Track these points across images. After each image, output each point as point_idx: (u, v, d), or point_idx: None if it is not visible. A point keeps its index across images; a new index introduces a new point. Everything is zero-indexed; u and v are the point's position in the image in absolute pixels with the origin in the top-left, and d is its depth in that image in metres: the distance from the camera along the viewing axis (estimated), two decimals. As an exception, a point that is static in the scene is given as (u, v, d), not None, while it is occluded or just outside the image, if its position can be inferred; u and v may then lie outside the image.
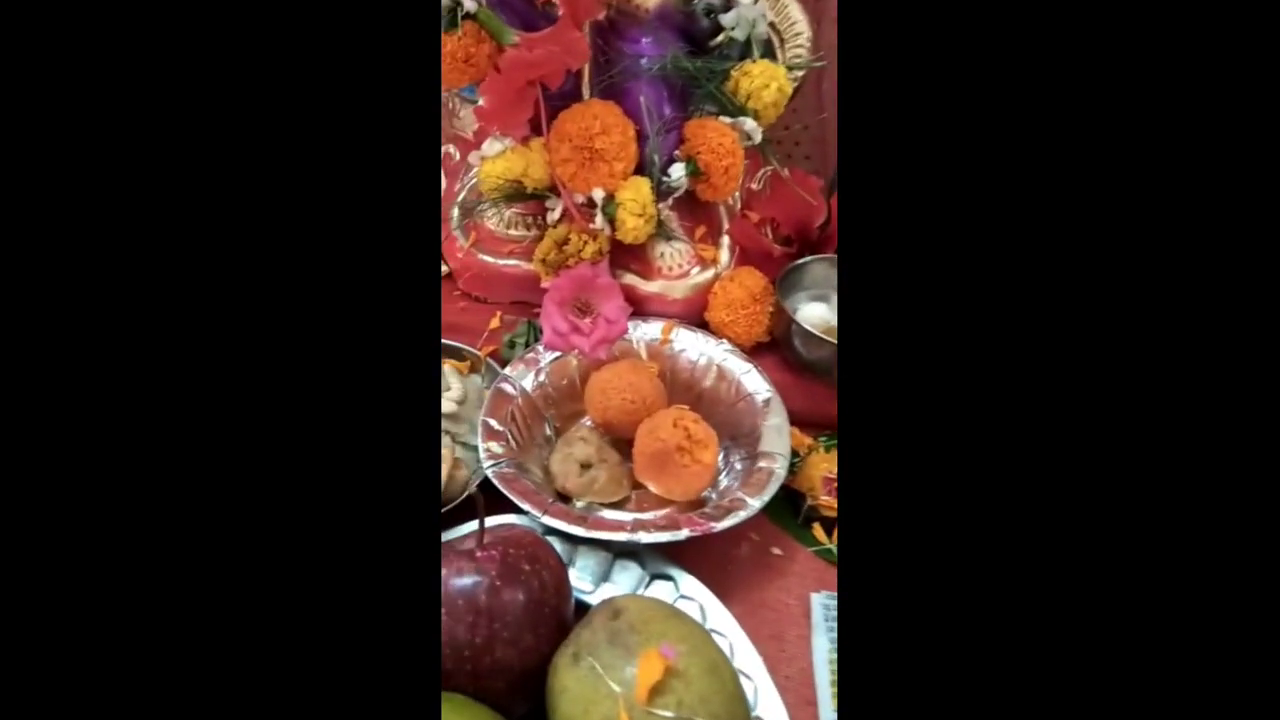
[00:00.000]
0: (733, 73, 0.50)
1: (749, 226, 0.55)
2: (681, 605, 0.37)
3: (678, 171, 0.49)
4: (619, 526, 0.38)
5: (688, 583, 0.38)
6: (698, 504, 0.45)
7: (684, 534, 0.37)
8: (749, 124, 0.49)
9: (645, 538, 0.37)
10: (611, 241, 0.52)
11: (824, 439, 0.51)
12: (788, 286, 0.56)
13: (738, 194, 0.58)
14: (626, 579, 0.38)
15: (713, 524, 0.38)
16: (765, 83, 0.49)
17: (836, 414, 0.53)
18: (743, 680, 0.34)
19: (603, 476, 0.44)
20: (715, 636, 0.36)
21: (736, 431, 0.49)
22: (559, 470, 0.45)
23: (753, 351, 0.54)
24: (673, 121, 0.50)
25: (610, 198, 0.49)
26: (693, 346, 0.52)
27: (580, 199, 0.50)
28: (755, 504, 0.39)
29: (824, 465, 0.45)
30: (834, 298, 0.57)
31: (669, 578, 0.39)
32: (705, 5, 0.49)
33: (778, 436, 0.45)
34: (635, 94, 0.49)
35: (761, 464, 0.43)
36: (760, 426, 0.46)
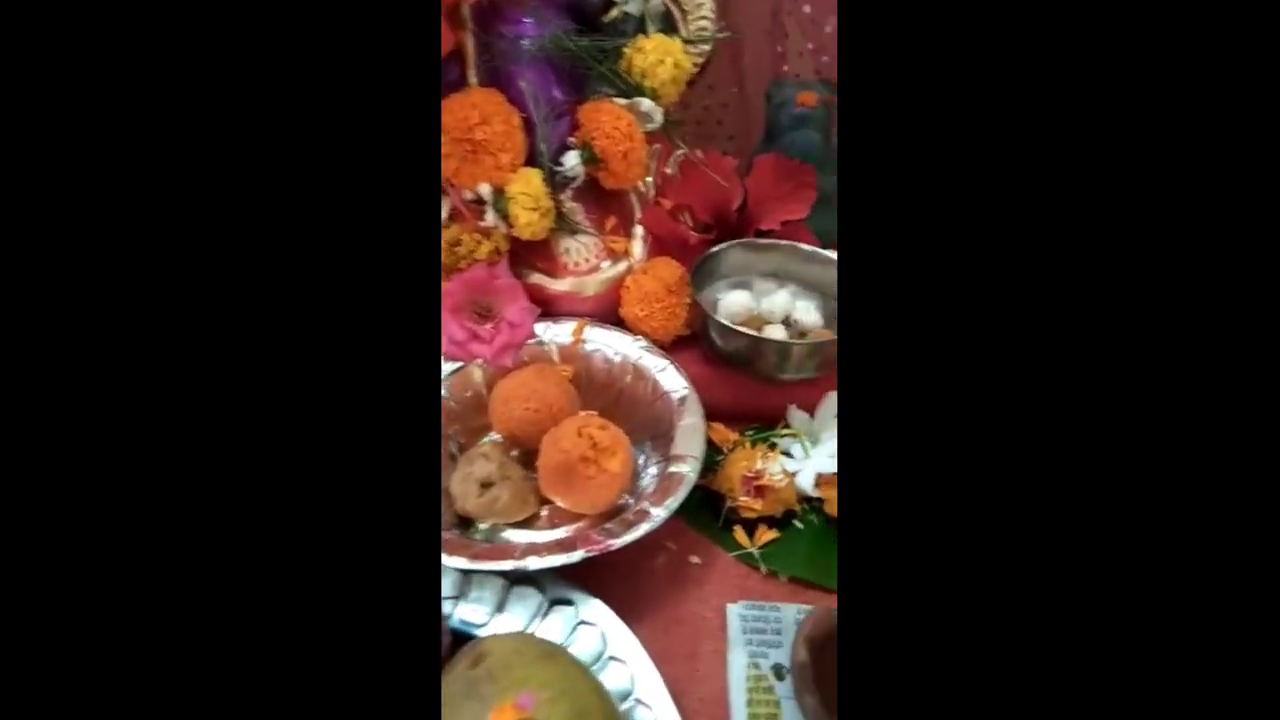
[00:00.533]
0: (626, 50, 0.46)
1: (662, 214, 0.52)
2: (580, 632, 0.34)
3: (571, 160, 0.46)
4: (505, 553, 0.35)
5: (589, 607, 0.35)
6: (614, 514, 0.42)
7: (578, 555, 0.34)
8: (646, 104, 0.46)
9: (535, 563, 0.34)
10: (512, 240, 0.48)
11: (750, 433, 0.48)
12: (706, 275, 0.52)
13: (650, 180, 0.55)
14: (524, 608, 0.35)
15: (611, 541, 0.35)
16: (659, 58, 0.45)
17: (763, 407, 0.52)
18: (641, 712, 0.31)
19: (505, 495, 0.41)
20: (615, 665, 0.33)
21: (655, 431, 0.46)
22: (458, 492, 0.41)
23: (673, 346, 0.51)
24: (563, 106, 0.46)
25: (500, 193, 0.45)
26: (608, 345, 0.49)
27: (469, 196, 0.46)
28: (659, 514, 0.36)
29: (744, 463, 0.42)
30: (757, 284, 0.54)
31: (569, 602, 0.36)
32: (592, -23, 0.46)
33: (691, 436, 0.42)
34: (520, 79, 0.45)
35: (673, 468, 0.40)
36: (675, 426, 0.43)
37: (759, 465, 0.42)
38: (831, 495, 0.42)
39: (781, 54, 0.62)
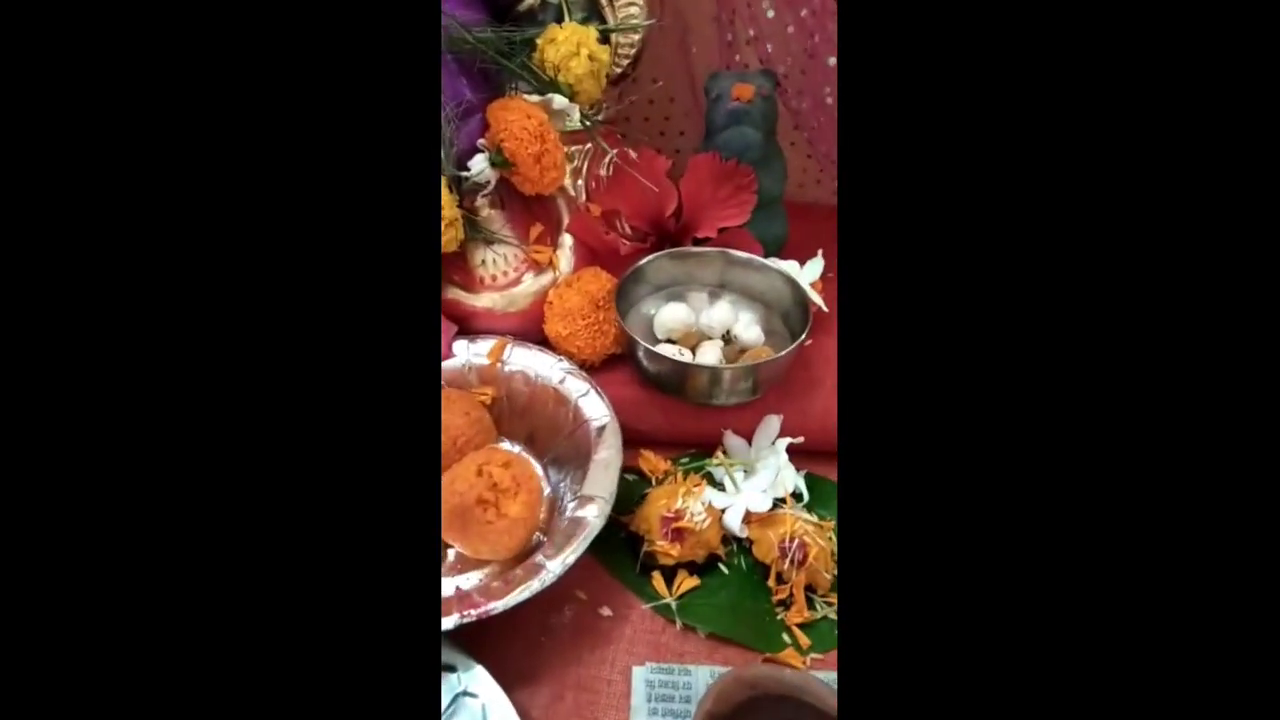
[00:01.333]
0: (539, 42, 0.42)
1: (591, 221, 0.48)
2: (461, 705, 0.31)
3: (478, 164, 0.42)
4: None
5: (471, 675, 0.32)
6: (526, 556, 0.38)
7: (452, 620, 0.31)
8: (559, 101, 0.41)
9: (405, 629, 0.30)
10: (424, 251, 0.44)
11: (684, 462, 0.44)
12: (637, 287, 0.48)
13: (581, 184, 0.50)
14: (405, 672, 0.32)
15: (491, 604, 0.31)
16: (573, 50, 0.41)
17: (698, 431, 0.48)
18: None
19: (401, 538, 0.37)
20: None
21: (575, 463, 0.42)
22: (350, 534, 0.38)
23: (603, 365, 0.47)
24: (471, 105, 0.42)
25: (402, 202, 0.41)
26: (530, 366, 0.45)
27: (370, 206, 0.42)
28: (553, 569, 0.33)
29: (664, 501, 0.38)
30: (694, 296, 0.49)
31: (451, 668, 0.32)
32: (499, -39, 0.41)
33: (603, 474, 0.38)
34: (419, 75, 0.41)
35: (579, 511, 0.36)
36: (590, 461, 0.39)
37: (679, 504, 0.38)
38: (761, 535, 0.38)
39: (731, 43, 0.57)
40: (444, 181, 0.41)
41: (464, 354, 0.46)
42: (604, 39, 0.41)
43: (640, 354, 0.43)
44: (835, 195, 0.60)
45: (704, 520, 0.38)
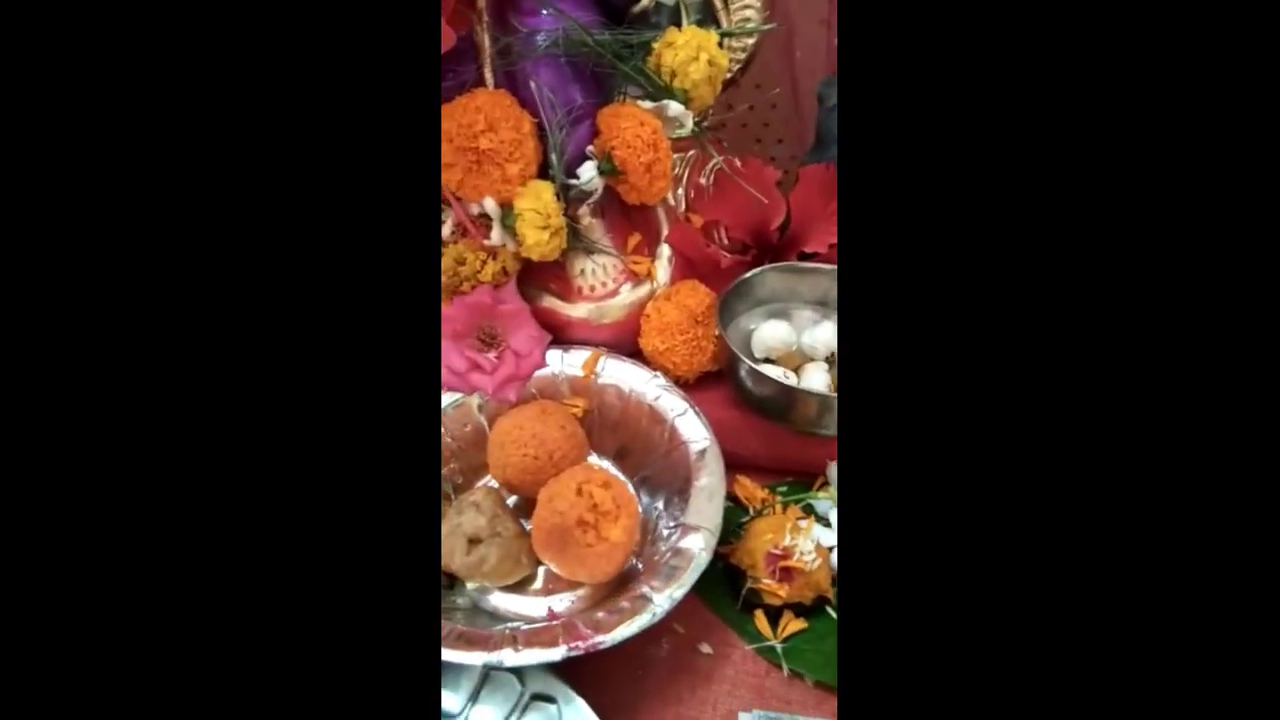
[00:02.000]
0: (655, 46, 0.40)
1: (691, 232, 0.46)
2: (562, 740, 0.29)
3: (587, 172, 0.40)
4: (479, 642, 0.30)
5: (572, 708, 0.30)
6: (621, 582, 0.36)
7: (559, 652, 0.29)
8: (674, 108, 0.40)
9: (511, 659, 0.29)
10: (522, 259, 0.43)
11: (782, 490, 0.42)
12: (739, 303, 0.46)
13: (680, 193, 0.48)
14: (502, 700, 0.30)
15: (599, 638, 0.29)
16: (692, 54, 0.39)
17: (800, 459, 0.45)
18: None
19: (494, 555, 0.36)
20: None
21: (671, 486, 0.40)
22: (444, 546, 0.37)
23: (699, 383, 0.45)
24: (581, 111, 0.41)
25: (507, 208, 0.40)
26: (623, 380, 0.44)
27: (474, 210, 0.41)
28: (661, 603, 0.31)
29: (769, 534, 0.36)
30: (798, 314, 0.47)
31: (550, 699, 0.31)
32: (617, -37, 0.40)
33: (708, 502, 0.36)
34: (532, 80, 0.40)
35: (683, 542, 0.34)
36: (692, 486, 0.37)
37: (787, 541, 0.35)
38: (874, 580, 0.35)
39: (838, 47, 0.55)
40: (551, 188, 0.40)
41: (557, 364, 0.44)
42: (720, 43, 0.39)
43: (743, 373, 0.41)
44: None
45: (814, 560, 0.35)
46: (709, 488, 0.37)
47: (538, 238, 0.40)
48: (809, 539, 0.36)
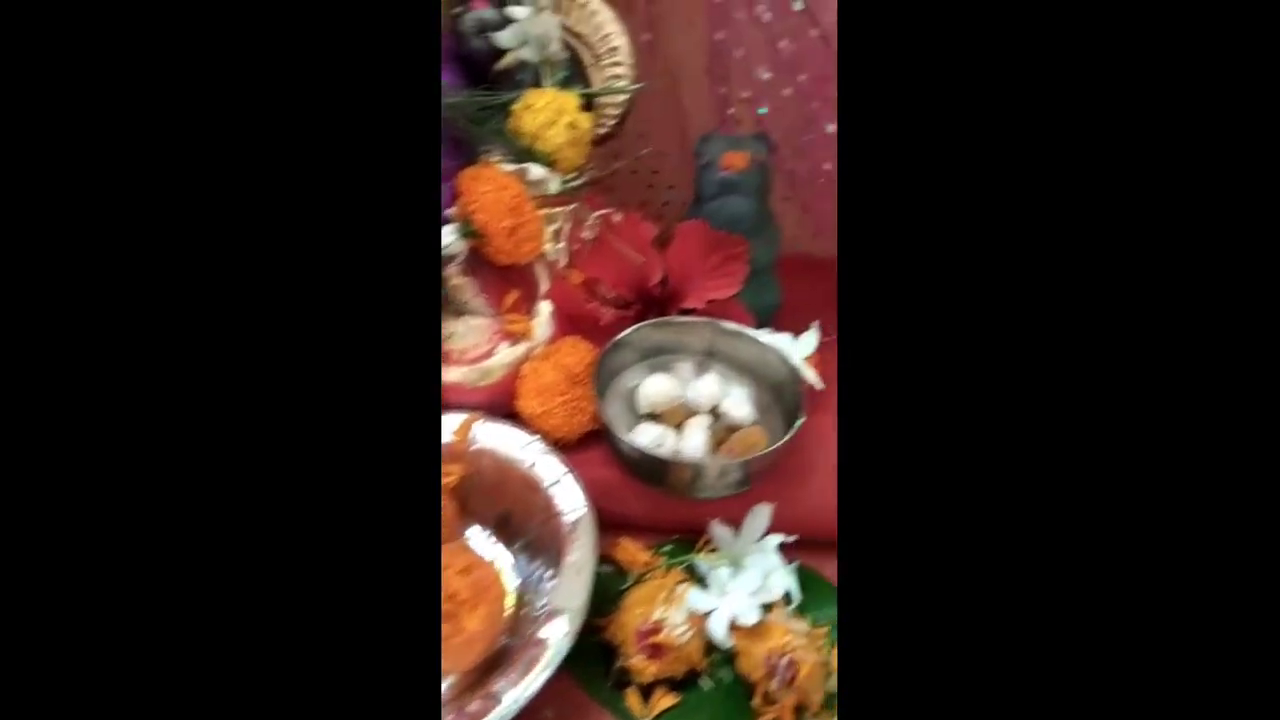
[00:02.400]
0: (515, 108, 0.40)
1: (570, 288, 0.45)
2: None
3: (447, 236, 0.39)
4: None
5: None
6: (493, 664, 0.35)
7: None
8: (536, 171, 0.39)
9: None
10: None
11: (667, 549, 0.41)
12: (620, 358, 0.45)
13: (560, 246, 0.48)
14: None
15: (440, 748, 0.28)
16: (551, 118, 0.39)
17: (681, 520, 0.43)
18: None
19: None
20: None
21: (549, 554, 0.38)
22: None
23: (579, 443, 0.44)
24: (443, 173, 0.39)
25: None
26: (500, 445, 0.42)
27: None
28: (507, 704, 0.29)
29: (640, 608, 0.35)
30: (681, 368, 0.47)
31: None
32: (475, 21, 0.39)
33: (574, 581, 0.35)
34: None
35: (541, 631, 0.33)
36: (562, 562, 0.36)
37: (657, 614, 0.35)
38: (747, 649, 0.35)
39: (725, 96, 0.55)
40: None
41: (433, 429, 0.43)
42: (587, 104, 0.39)
43: (614, 444, 0.40)
44: (832, 250, 0.57)
45: (685, 633, 0.34)
46: (578, 564, 0.35)
47: (397, 305, 0.38)
48: (681, 610, 0.35)
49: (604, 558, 0.41)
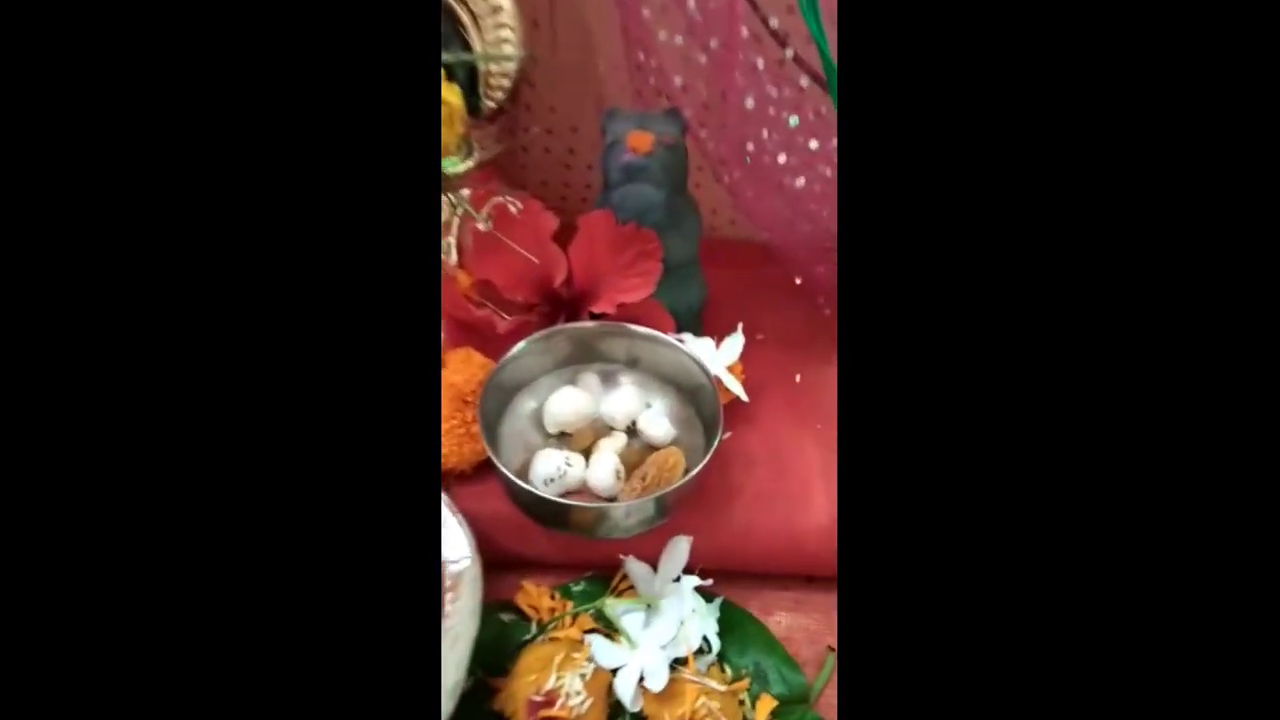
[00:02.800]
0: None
1: (458, 293, 0.39)
2: None
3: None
4: None
5: None
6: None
7: None
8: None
9: None
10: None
11: (578, 588, 0.36)
12: (520, 372, 0.40)
13: (449, 242, 0.41)
14: None
15: None
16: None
17: (590, 559, 0.36)
18: None
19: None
20: None
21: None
22: None
23: (476, 475, 0.39)
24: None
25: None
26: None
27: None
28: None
29: (533, 675, 0.30)
30: (588, 380, 0.41)
31: None
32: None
33: (449, 653, 0.29)
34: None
35: None
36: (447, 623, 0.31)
37: (551, 682, 0.30)
38: (657, 713, 0.30)
39: (641, 65, 0.49)
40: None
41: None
42: (453, 76, 0.32)
43: (506, 483, 0.34)
44: (760, 231, 0.51)
45: (583, 701, 0.30)
46: (456, 633, 0.30)
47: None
48: (579, 674, 0.30)
49: (504, 603, 0.37)
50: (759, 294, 0.49)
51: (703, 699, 0.30)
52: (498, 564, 0.36)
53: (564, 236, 0.41)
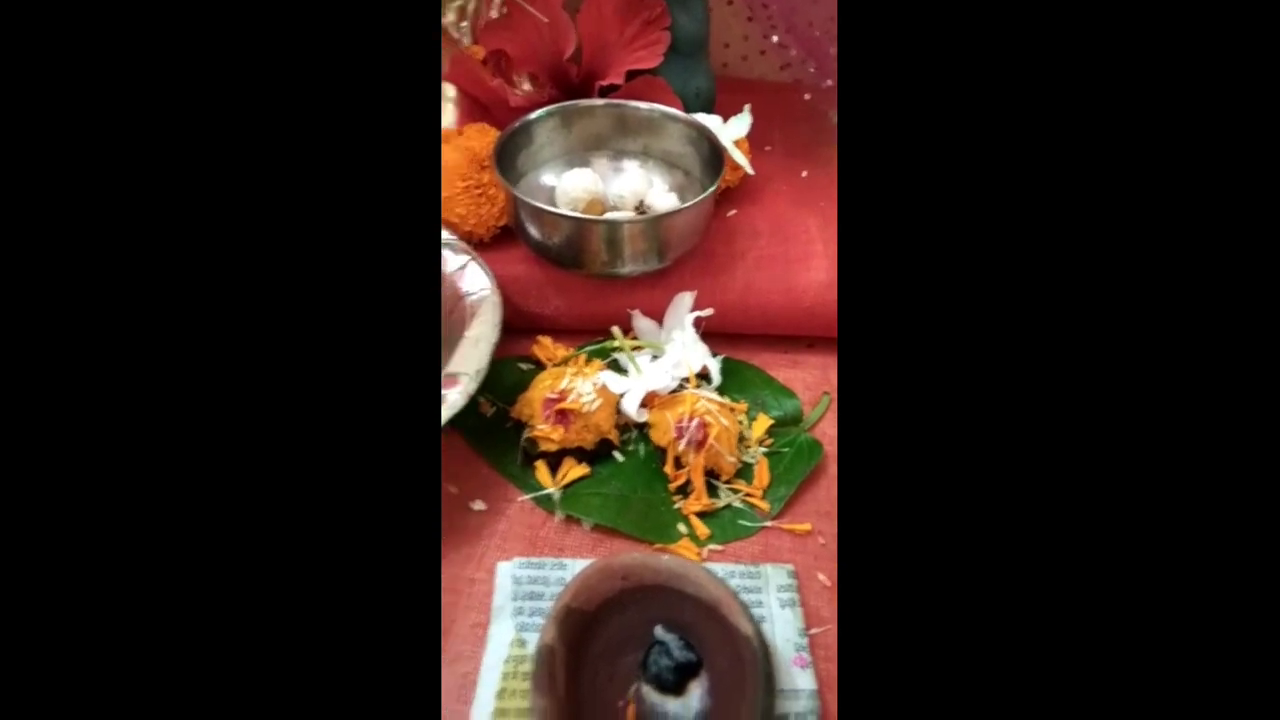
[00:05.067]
0: None
1: (472, 67, 0.40)
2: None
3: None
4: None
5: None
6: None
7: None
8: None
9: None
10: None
11: (589, 350, 0.39)
12: (530, 153, 0.41)
13: (464, 26, 0.42)
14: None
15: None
16: None
17: (601, 314, 0.39)
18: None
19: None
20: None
21: (451, 348, 0.36)
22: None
23: (493, 243, 0.41)
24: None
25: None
26: (403, 240, 0.39)
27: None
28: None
29: (548, 383, 0.33)
30: (598, 161, 0.43)
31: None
32: None
33: (473, 350, 0.32)
34: None
35: (443, 391, 0.31)
36: (460, 339, 0.34)
37: (566, 384, 0.33)
38: (659, 418, 0.33)
39: None
40: None
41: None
42: None
43: (523, 215, 0.36)
44: (782, 70, 0.51)
45: (592, 401, 0.32)
46: (477, 336, 0.33)
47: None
48: (590, 382, 0.33)
49: (522, 357, 0.39)
50: (771, 115, 0.49)
51: (703, 401, 0.33)
52: (514, 327, 0.39)
53: (572, 8, 0.41)
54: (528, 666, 0.25)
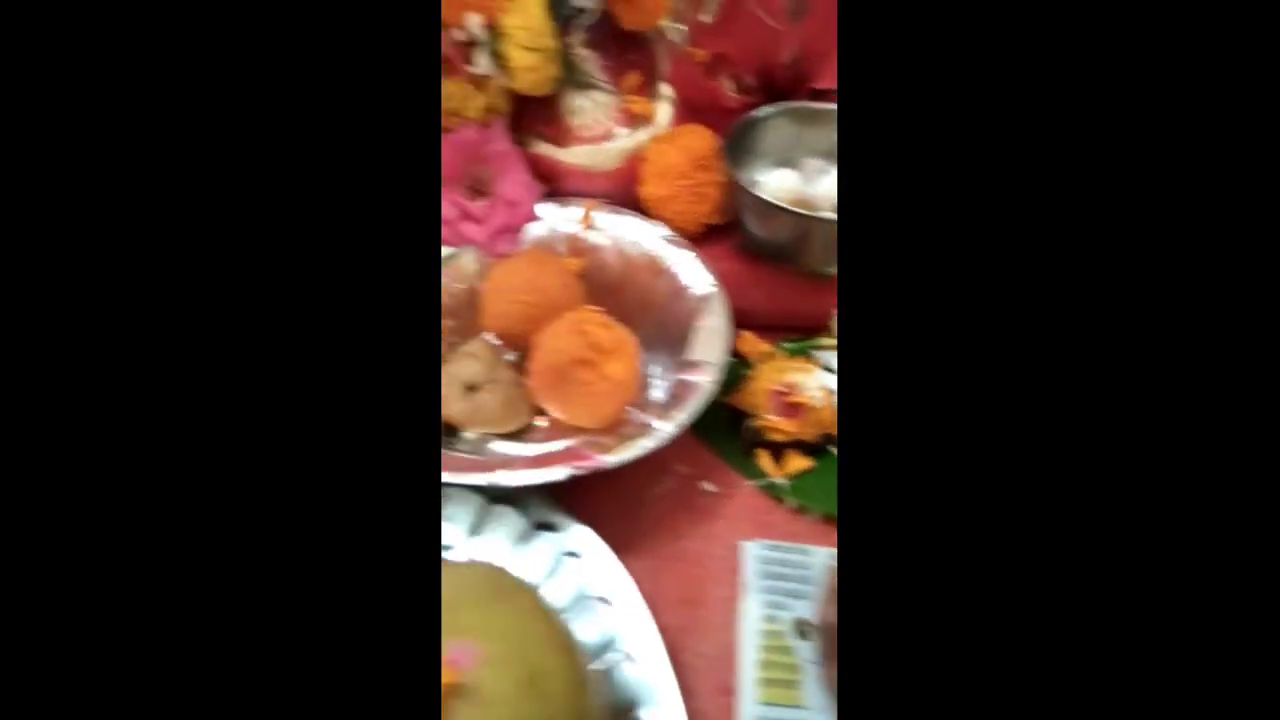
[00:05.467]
0: None
1: (693, 69, 0.42)
2: (566, 564, 0.29)
3: (580, -8, 0.36)
4: (478, 466, 0.29)
5: (576, 534, 0.30)
6: (618, 429, 0.35)
7: (562, 472, 0.28)
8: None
9: (509, 479, 0.28)
10: (512, 97, 0.40)
11: (788, 345, 0.40)
12: (743, 149, 0.43)
13: (682, 27, 0.44)
14: (504, 531, 0.30)
15: (603, 458, 0.28)
16: None
17: (805, 311, 0.43)
18: (627, 669, 0.26)
19: (493, 400, 0.35)
20: (599, 608, 0.27)
21: (672, 337, 0.38)
22: (442, 394, 0.36)
23: (702, 237, 0.43)
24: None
25: (494, 29, 0.36)
26: (623, 233, 0.41)
27: (458, 35, 0.37)
28: (665, 429, 0.30)
29: (774, 375, 0.35)
30: (807, 162, 0.44)
31: (553, 526, 0.30)
32: None
33: (712, 341, 0.34)
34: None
35: (686, 376, 0.33)
36: (694, 329, 0.36)
37: (793, 378, 0.34)
38: (882, 420, 0.34)
39: None
40: (542, 3, 0.36)
41: (550, 219, 0.42)
42: None
43: (749, 211, 0.38)
44: None
45: (821, 397, 0.34)
46: (714, 328, 0.35)
47: (528, 61, 0.36)
48: (815, 377, 0.35)
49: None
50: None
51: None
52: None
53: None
54: (784, 642, 0.28)
